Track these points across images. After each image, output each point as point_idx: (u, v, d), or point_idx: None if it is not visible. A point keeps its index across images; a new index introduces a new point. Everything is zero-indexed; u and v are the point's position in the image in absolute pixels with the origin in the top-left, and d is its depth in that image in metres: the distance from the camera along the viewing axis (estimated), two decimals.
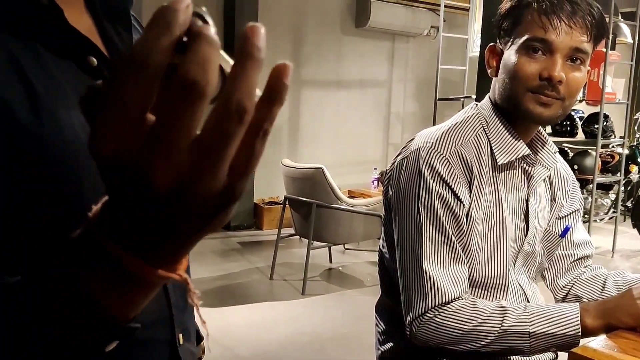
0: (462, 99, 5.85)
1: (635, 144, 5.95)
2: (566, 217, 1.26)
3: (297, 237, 4.48)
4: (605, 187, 5.85)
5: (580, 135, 5.53)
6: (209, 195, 0.30)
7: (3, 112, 0.51)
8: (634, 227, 5.87)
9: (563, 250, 1.28)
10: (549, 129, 5.75)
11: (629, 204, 6.08)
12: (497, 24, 1.14)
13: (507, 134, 1.12)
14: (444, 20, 6.06)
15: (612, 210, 5.79)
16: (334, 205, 3.92)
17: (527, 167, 1.15)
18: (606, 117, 5.36)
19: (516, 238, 1.14)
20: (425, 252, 1.03)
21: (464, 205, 1.06)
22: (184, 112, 0.28)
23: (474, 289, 1.09)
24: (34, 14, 0.57)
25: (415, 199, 1.06)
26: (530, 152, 1.13)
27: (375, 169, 5.90)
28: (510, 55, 1.09)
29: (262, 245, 5.20)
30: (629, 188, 6.14)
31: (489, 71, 1.16)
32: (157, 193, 0.29)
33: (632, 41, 5.72)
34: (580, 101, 5.42)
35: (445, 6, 5.88)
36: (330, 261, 4.63)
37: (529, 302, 1.15)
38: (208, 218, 0.32)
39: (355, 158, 6.53)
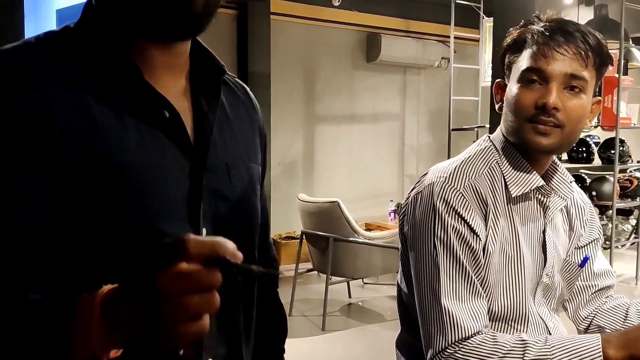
0: (475, 129, 5.86)
1: None
2: (585, 247, 1.25)
3: (315, 272, 4.46)
4: (625, 213, 5.77)
5: (597, 161, 5.49)
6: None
7: (63, 131, 0.65)
8: None
9: (583, 280, 1.26)
10: (564, 156, 5.73)
11: None
12: (500, 59, 1.16)
13: (520, 165, 1.13)
14: (454, 52, 6.12)
15: (633, 236, 5.70)
16: (351, 239, 3.92)
17: (542, 198, 1.15)
18: (622, 142, 5.32)
19: (535, 270, 1.14)
20: (444, 288, 1.03)
21: (480, 238, 1.06)
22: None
23: (494, 323, 1.09)
24: (116, 73, 0.70)
25: (431, 234, 1.06)
26: (545, 183, 1.14)
27: (391, 201, 5.89)
28: (511, 88, 1.11)
29: (279, 281, 5.18)
30: None
31: (496, 106, 1.18)
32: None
33: None
34: (596, 127, 5.40)
35: (454, 37, 5.94)
36: (350, 296, 4.59)
37: (550, 334, 1.13)
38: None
39: (371, 191, 6.53)
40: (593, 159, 5.51)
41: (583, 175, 5.72)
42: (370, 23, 6.49)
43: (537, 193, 1.14)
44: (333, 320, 4.11)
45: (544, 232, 1.15)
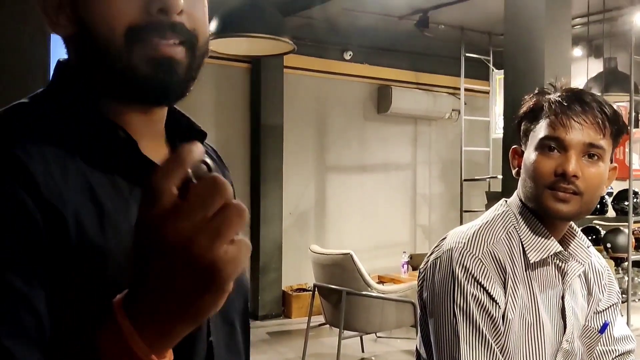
0: (487, 179, 5.87)
1: None
2: (604, 312, 1.24)
3: (328, 325, 4.41)
4: None
5: (611, 213, 5.45)
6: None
7: (75, 228, 0.60)
8: None
9: (604, 345, 1.25)
10: None
11: None
12: (517, 126, 1.18)
13: (538, 231, 1.13)
14: (465, 103, 6.20)
15: None
16: (364, 293, 3.88)
17: (560, 264, 1.15)
18: (635, 193, 5.30)
19: (554, 336, 1.13)
20: (464, 356, 1.03)
21: (499, 306, 1.06)
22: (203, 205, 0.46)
23: None
24: (112, 146, 0.67)
25: (450, 301, 1.06)
26: (562, 249, 1.14)
27: (404, 252, 5.85)
28: (529, 155, 1.13)
29: (291, 334, 5.12)
30: None
31: (513, 172, 1.19)
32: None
33: None
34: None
35: (465, 90, 6.03)
36: (363, 351, 4.52)
37: None
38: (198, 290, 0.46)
39: (383, 242, 6.50)
40: (607, 211, 5.47)
41: (597, 227, 5.68)
42: (381, 75, 6.61)
43: (555, 259, 1.14)
44: None
45: (562, 297, 1.15)
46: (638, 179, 5.13)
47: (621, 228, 5.46)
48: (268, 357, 4.48)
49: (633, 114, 5.09)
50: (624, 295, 5.11)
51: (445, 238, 1.16)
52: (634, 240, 5.44)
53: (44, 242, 0.58)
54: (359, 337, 4.42)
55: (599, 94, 5.60)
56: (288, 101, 5.88)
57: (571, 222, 1.19)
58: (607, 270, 1.29)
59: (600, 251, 5.42)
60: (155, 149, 0.70)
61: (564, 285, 1.16)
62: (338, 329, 3.91)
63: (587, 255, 1.19)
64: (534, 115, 1.14)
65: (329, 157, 6.38)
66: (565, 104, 1.10)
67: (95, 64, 0.69)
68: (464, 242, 1.10)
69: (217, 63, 5.68)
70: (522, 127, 1.17)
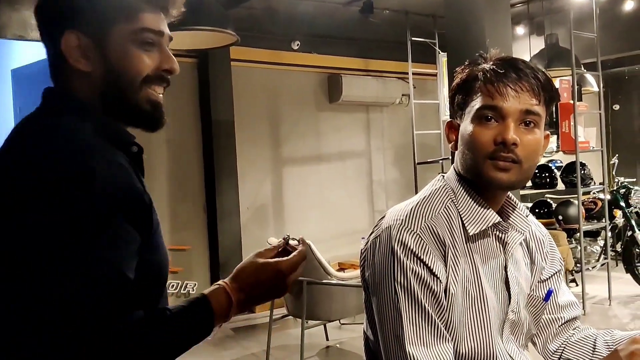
0: (440, 161, 5.93)
1: (615, 188, 6.02)
2: (548, 280, 1.25)
3: (291, 317, 4.39)
4: (592, 234, 5.86)
5: (561, 186, 5.59)
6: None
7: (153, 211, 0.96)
8: (627, 272, 5.84)
9: (549, 314, 1.26)
10: (529, 183, 5.82)
11: (618, 248, 6.08)
12: (450, 100, 1.17)
13: (475, 203, 1.13)
14: (414, 87, 6.24)
15: (602, 256, 5.78)
16: (324, 281, 3.88)
17: (500, 235, 1.15)
18: (583, 165, 5.44)
19: (499, 307, 1.13)
20: (407, 334, 1.01)
21: (440, 280, 1.05)
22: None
23: None
24: (136, 154, 0.99)
25: (391, 279, 1.05)
26: (501, 219, 1.14)
27: (363, 238, 5.83)
28: (465, 127, 1.12)
29: (255, 329, 5.08)
30: (616, 232, 6.16)
31: (450, 145, 1.19)
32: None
33: (597, 89, 5.91)
34: (557, 152, 5.52)
35: (413, 74, 6.07)
36: (327, 339, 4.52)
37: None
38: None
39: (343, 230, 6.51)
40: (557, 184, 5.61)
41: (549, 200, 5.82)
42: (330, 64, 6.59)
43: (495, 230, 1.14)
44: None
45: (505, 268, 1.15)
46: (584, 151, 5.26)
47: (571, 200, 5.62)
48: (234, 352, 4.44)
49: (576, 87, 5.21)
50: (578, 265, 5.26)
51: (384, 217, 1.14)
52: (584, 211, 5.60)
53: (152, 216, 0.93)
54: (322, 326, 4.42)
55: (543, 70, 5.74)
56: (238, 95, 5.80)
57: (509, 193, 1.19)
58: (549, 238, 1.30)
59: (552, 223, 5.56)
60: None
61: (506, 255, 1.16)
62: (301, 320, 3.90)
63: (526, 224, 1.19)
64: (468, 87, 1.13)
65: (283, 150, 6.33)
66: (501, 72, 1.09)
67: (114, 96, 0.97)
68: (402, 219, 1.09)
69: None
70: (456, 100, 1.16)
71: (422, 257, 1.04)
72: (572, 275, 5.51)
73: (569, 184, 5.50)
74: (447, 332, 1.05)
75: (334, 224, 6.49)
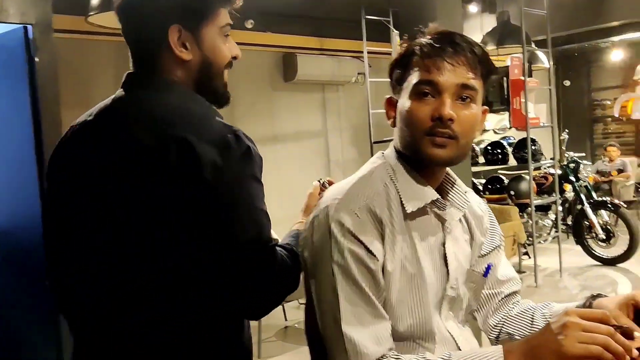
0: None
1: (565, 163, 6.17)
2: (488, 255, 1.25)
3: None
4: (544, 209, 6.00)
5: (512, 162, 5.70)
6: None
7: None
8: (577, 244, 6.03)
9: (489, 289, 1.27)
10: (481, 159, 5.91)
11: (569, 221, 6.25)
12: (390, 76, 1.15)
13: (414, 180, 1.12)
14: (370, 66, 6.23)
15: (553, 230, 5.93)
16: None
17: (438, 211, 1.14)
18: (534, 141, 5.55)
19: (438, 284, 1.12)
20: (344, 313, 1.00)
21: (377, 259, 1.03)
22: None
23: (400, 343, 1.06)
24: None
25: (328, 259, 1.03)
26: (439, 197, 1.13)
27: None
28: (403, 103, 1.10)
29: None
30: (566, 205, 6.33)
31: (389, 122, 1.17)
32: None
33: (548, 66, 6.01)
34: (509, 128, 5.61)
35: (368, 53, 6.05)
36: (285, 319, 4.53)
37: (459, 348, 1.12)
38: None
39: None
40: (509, 160, 5.71)
41: (501, 176, 5.92)
42: (285, 43, 6.51)
43: (434, 207, 1.14)
44: (269, 346, 4.03)
45: (443, 244, 1.14)
46: (534, 127, 5.36)
47: (523, 175, 5.73)
48: None
49: (527, 64, 5.29)
50: (529, 239, 5.38)
51: (323, 196, 1.12)
52: (535, 186, 5.73)
53: None
54: (280, 306, 4.41)
55: (495, 47, 5.78)
56: None
57: (448, 169, 1.19)
58: (489, 214, 1.30)
59: (504, 199, 5.67)
60: None
61: (445, 232, 1.15)
62: None
63: (465, 200, 1.19)
64: (405, 62, 1.11)
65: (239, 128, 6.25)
66: (437, 46, 1.07)
67: (207, 80, 1.19)
68: (340, 198, 1.07)
69: (116, 40, 5.41)
70: (394, 76, 1.15)
71: (358, 235, 1.02)
72: (525, 248, 5.64)
73: (520, 159, 5.61)
74: (385, 311, 1.04)
75: (292, 204, 6.39)
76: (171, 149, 1.03)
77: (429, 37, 1.10)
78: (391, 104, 1.16)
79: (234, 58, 1.23)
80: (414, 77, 1.08)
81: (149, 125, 1.08)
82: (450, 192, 1.18)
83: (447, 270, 1.14)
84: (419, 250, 1.10)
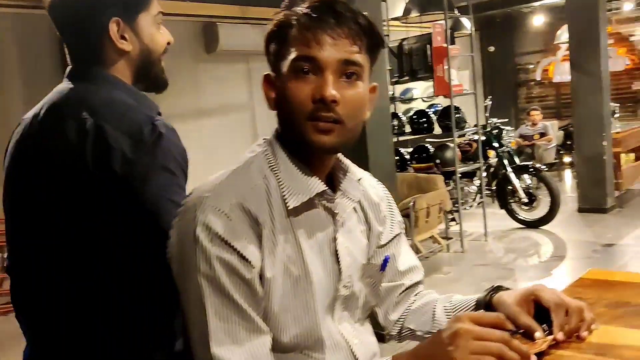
0: None
1: (489, 129, 6.24)
2: (387, 245, 1.15)
3: None
4: (469, 175, 6.07)
5: (438, 130, 5.71)
6: None
7: None
8: (501, 208, 6.15)
9: (389, 281, 1.16)
10: (407, 128, 5.89)
11: (493, 186, 6.36)
12: (265, 49, 1.02)
13: (298, 170, 0.99)
14: None
15: (478, 196, 6.03)
16: None
17: (327, 204, 1.03)
18: (457, 109, 5.57)
19: (329, 284, 1.01)
20: (214, 332, 0.87)
21: (253, 266, 0.91)
22: None
23: (284, 356, 0.95)
24: None
25: (193, 270, 0.89)
26: (327, 188, 1.01)
27: None
28: (282, 82, 0.97)
29: None
30: (490, 171, 6.43)
31: (268, 105, 1.04)
32: None
33: (470, 32, 6.01)
34: (435, 97, 5.60)
35: None
36: None
37: (353, 354, 1.03)
38: None
39: None
40: (434, 129, 5.72)
41: (427, 145, 5.93)
42: (204, 12, 6.24)
43: (322, 199, 1.02)
44: None
45: (334, 240, 1.03)
46: (458, 95, 5.36)
47: (447, 144, 5.75)
48: None
49: (449, 31, 5.25)
50: (455, 205, 5.44)
51: (191, 193, 0.98)
52: (459, 153, 5.77)
53: None
54: None
55: (418, 14, 5.72)
56: None
57: (339, 155, 1.07)
58: (387, 200, 1.19)
59: (431, 167, 5.69)
60: None
61: (336, 226, 1.03)
62: None
63: (358, 189, 1.08)
64: (281, 35, 0.96)
65: (161, 106, 5.96)
66: (316, 16, 0.94)
67: (146, 68, 1.27)
68: (207, 196, 0.93)
69: (18, 12, 5.02)
70: (271, 50, 1.01)
71: (229, 240, 0.89)
72: (452, 214, 5.71)
73: (445, 128, 5.62)
74: (266, 323, 0.92)
75: None
76: (88, 139, 1.07)
77: (307, 6, 0.97)
78: (269, 82, 1.02)
79: (168, 44, 1.28)
80: (291, 53, 0.95)
81: (77, 118, 1.11)
82: (343, 181, 1.06)
83: (340, 268, 1.03)
84: (305, 250, 0.98)
